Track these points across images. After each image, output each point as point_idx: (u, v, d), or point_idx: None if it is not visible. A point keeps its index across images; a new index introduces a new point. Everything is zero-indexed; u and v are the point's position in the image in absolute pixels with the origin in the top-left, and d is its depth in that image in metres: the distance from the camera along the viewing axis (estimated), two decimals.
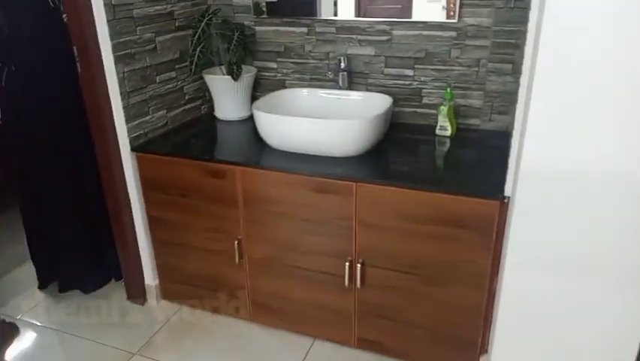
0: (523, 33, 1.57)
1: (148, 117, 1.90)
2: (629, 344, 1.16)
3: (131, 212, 1.94)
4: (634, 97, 0.98)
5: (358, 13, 1.92)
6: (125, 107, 1.78)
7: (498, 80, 1.80)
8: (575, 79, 1.01)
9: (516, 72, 1.73)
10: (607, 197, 1.07)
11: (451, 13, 1.78)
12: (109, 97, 1.75)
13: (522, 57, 1.24)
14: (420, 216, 1.51)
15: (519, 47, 1.71)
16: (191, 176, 1.78)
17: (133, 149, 1.84)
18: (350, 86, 1.99)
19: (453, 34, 1.81)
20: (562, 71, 1.01)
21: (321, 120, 1.68)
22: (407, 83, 1.95)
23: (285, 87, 2.14)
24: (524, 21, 1.55)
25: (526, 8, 1.58)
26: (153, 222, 1.97)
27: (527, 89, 1.14)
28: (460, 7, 1.76)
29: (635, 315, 1.14)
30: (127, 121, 1.80)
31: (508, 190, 1.37)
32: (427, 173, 1.63)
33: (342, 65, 1.95)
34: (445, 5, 1.77)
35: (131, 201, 1.92)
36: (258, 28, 2.11)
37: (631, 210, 1.06)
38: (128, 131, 1.81)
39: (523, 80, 1.22)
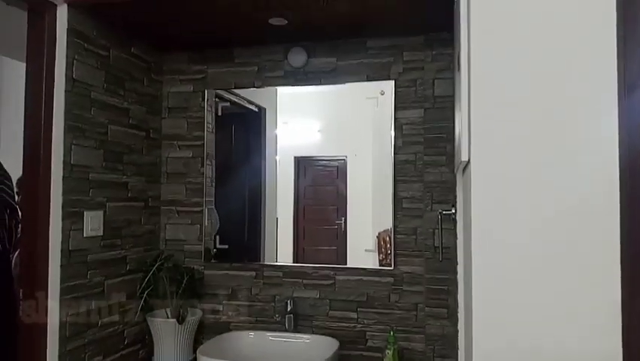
0: (453, 281, 1.76)
1: None
2: None
3: None
4: (578, 288, 1.02)
5: (296, 259, 2.11)
6: (60, 356, 1.67)
7: (436, 324, 1.91)
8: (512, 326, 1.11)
9: (452, 316, 1.86)
10: None
11: (385, 262, 1.98)
12: (46, 345, 1.66)
13: (455, 303, 1.37)
14: None
15: (451, 293, 1.87)
16: None
17: None
18: (296, 328, 2.02)
19: (390, 279, 1.98)
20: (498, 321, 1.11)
21: None
22: (351, 325, 2.01)
23: (229, 330, 2.12)
24: (453, 270, 1.76)
25: (452, 259, 1.81)
26: None
27: (466, 335, 1.23)
28: (395, 256, 1.98)
29: None
30: None
31: None
32: None
33: (289, 307, 2.02)
34: (377, 255, 1.99)
35: None
36: (207, 271, 2.20)
37: None
38: None
39: (461, 325, 1.32)
